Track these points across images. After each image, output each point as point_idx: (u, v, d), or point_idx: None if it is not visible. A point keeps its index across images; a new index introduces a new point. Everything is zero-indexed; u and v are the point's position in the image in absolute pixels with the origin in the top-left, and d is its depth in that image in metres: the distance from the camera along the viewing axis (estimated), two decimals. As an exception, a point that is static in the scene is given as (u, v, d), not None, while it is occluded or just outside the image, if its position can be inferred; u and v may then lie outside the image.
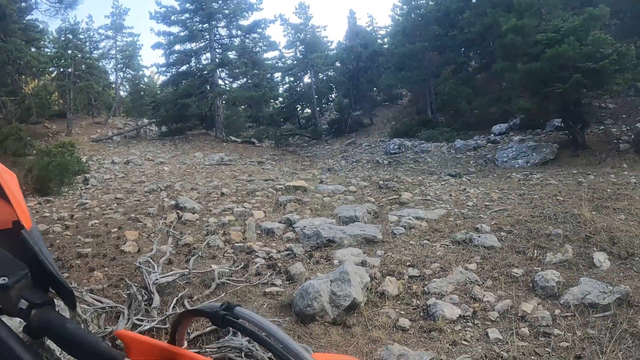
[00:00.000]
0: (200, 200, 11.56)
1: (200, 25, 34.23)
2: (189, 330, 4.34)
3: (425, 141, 24.23)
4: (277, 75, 44.46)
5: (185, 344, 0.94)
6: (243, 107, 37.93)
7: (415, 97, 34.66)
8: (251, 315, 0.78)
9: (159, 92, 38.21)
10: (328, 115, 43.29)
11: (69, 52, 36.09)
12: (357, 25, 46.21)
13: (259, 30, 35.47)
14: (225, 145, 31.48)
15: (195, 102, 32.11)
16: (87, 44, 48.91)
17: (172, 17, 33.70)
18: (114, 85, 44.24)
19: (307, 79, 42.40)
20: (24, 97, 27.16)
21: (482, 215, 9.09)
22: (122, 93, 44.49)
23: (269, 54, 45.79)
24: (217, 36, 35.46)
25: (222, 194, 12.54)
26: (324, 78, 42.67)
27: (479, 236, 7.67)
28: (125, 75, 45.37)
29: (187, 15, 33.85)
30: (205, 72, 34.22)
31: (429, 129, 26.00)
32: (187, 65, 35.20)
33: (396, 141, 23.44)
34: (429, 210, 9.61)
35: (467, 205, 9.91)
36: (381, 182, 13.28)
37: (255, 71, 36.03)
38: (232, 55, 35.82)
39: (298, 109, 43.62)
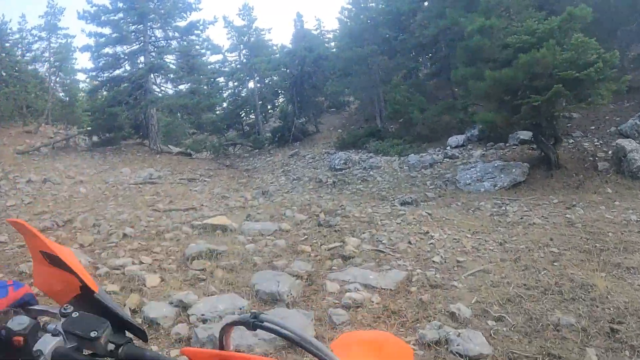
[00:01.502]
0: (94, 247, 8.74)
1: (133, 27, 30.63)
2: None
3: (374, 154, 21.65)
4: (221, 80, 41.44)
5: (232, 347, 1.17)
6: (184, 114, 34.40)
7: (363, 104, 32.12)
8: (273, 319, 1.00)
9: (86, 98, 34.25)
10: (273, 123, 40.35)
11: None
12: (304, 29, 43.52)
13: (197, 32, 32.16)
14: (158, 157, 28.07)
15: (124, 110, 28.47)
16: (19, 45, 44.28)
17: (103, 17, 29.90)
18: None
19: (251, 85, 39.38)
20: None
21: (455, 283, 6.37)
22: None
23: (213, 58, 42.34)
24: (153, 38, 31.90)
25: (125, 235, 9.55)
26: (269, 83, 39.62)
27: (459, 334, 4.93)
28: (57, 80, 41.06)
29: (120, 15, 30.13)
30: (138, 77, 30.68)
31: (378, 140, 23.44)
32: (122, 70, 31.46)
33: (342, 155, 20.63)
34: (382, 272, 6.83)
35: (434, 263, 7.17)
36: (322, 215, 10.50)
37: (195, 76, 32.76)
38: (169, 59, 32.42)
39: (242, 116, 40.46)
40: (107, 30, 29.91)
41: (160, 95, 29.44)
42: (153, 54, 31.59)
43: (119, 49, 31.29)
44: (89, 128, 30.25)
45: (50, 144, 31.03)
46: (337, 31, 36.12)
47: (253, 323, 1.01)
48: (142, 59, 31.53)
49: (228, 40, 41.34)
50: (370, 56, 25.25)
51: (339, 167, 19.58)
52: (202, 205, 14.05)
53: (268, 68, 32.11)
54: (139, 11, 29.14)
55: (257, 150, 33.11)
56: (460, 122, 21.76)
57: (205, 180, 21.42)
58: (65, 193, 17.92)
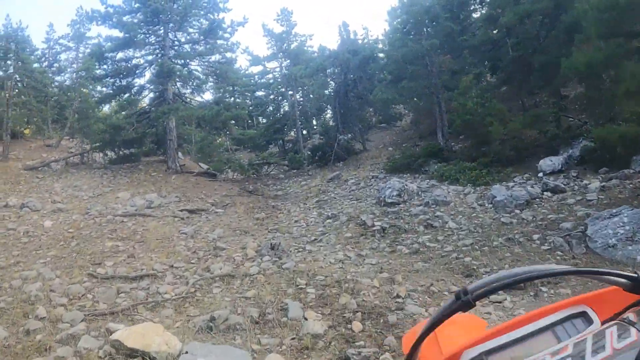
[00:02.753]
0: None
1: (147, 28, 26.13)
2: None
3: (437, 181, 15.92)
4: (261, 92, 37.62)
5: None
6: (213, 129, 29.48)
7: (418, 116, 26.37)
8: (478, 284, 0.85)
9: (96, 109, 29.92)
10: (316, 140, 35.15)
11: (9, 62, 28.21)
12: (350, 39, 38.11)
13: (223, 33, 27.35)
14: (174, 179, 23.21)
15: (132, 122, 23.93)
16: (47, 55, 40.92)
17: (114, 18, 25.54)
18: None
19: (292, 96, 34.40)
20: None
21: None
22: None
23: (254, 69, 37.75)
24: (171, 42, 27.29)
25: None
26: (314, 96, 34.39)
27: None
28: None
29: (138, 16, 25.70)
30: (153, 85, 26.16)
31: (441, 162, 17.68)
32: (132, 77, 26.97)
33: (394, 184, 14.69)
34: None
35: None
36: (357, 326, 5.00)
37: (221, 85, 28.00)
38: (193, 65, 27.83)
39: (283, 132, 35.33)
40: (118, 33, 25.43)
41: (178, 105, 24.59)
42: (175, 60, 27.03)
43: (131, 53, 26.67)
44: (99, 143, 25.71)
45: (61, 159, 26.94)
46: (387, 36, 30.66)
47: (469, 301, 0.84)
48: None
49: (268, 50, 36.01)
50: (429, 54, 19.58)
51: (390, 200, 13.85)
52: (170, 267, 8.83)
53: (305, 74, 26.80)
54: (151, 8, 24.48)
55: (294, 171, 27.90)
56: (553, 138, 15.79)
57: (214, 213, 16.28)
58: (25, 226, 13.68)
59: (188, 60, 27.31)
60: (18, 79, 30.04)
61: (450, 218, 11.26)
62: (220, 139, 32.52)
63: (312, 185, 21.18)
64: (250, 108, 39.54)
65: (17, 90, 30.30)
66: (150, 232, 12.61)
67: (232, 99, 28.07)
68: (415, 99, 22.13)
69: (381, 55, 27.68)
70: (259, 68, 37.70)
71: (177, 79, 26.62)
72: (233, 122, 27.03)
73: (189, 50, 26.80)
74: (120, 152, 28.35)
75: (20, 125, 35.49)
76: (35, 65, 36.08)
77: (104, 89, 27.55)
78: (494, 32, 21.50)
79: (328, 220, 13.39)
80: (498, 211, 11.23)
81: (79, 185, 21.58)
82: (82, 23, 39.82)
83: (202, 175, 25.15)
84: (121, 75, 25.94)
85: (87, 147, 28.10)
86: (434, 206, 12.66)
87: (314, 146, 28.38)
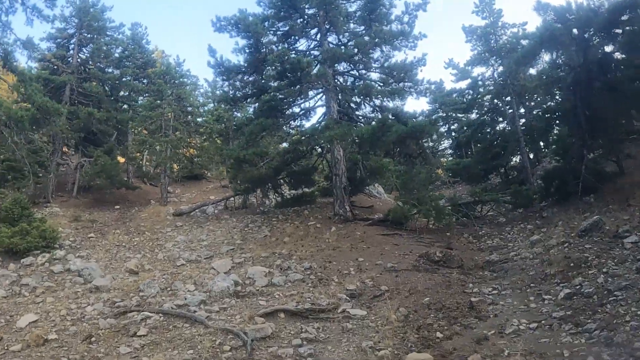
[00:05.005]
0: None
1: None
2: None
3: None
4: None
5: None
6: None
7: None
8: None
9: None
10: (546, 163, 24.59)
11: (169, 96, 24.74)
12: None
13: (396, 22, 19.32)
14: (332, 232, 15.67)
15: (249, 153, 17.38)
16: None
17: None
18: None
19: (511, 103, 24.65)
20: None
21: None
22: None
23: (462, 84, 29.07)
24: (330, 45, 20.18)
25: None
26: (546, 106, 23.96)
27: None
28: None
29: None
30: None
31: None
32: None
33: None
34: None
35: None
36: None
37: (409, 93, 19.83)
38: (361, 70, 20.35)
39: (503, 155, 25.55)
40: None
41: (327, 122, 17.00)
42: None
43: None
44: (245, 184, 19.63)
45: (220, 202, 21.85)
46: None
47: None
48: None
49: (471, 51, 26.77)
50: None
51: None
52: None
53: (518, 61, 16.92)
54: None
55: (519, 211, 18.12)
56: None
57: (345, 318, 8.03)
58: (50, 306, 8.21)
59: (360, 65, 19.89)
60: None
61: None
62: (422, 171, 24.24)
63: (551, 244, 11.29)
64: (465, 130, 30.61)
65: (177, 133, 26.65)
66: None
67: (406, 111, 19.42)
68: None
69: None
70: (466, 83, 28.59)
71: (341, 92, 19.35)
72: (416, 141, 18.27)
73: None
74: (287, 194, 22.19)
75: (203, 166, 32.45)
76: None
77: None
78: None
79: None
80: None
81: (201, 240, 15.57)
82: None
83: (381, 224, 17.03)
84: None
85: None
86: None
87: (546, 172, 17.93)
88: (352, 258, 12.50)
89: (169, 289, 10.07)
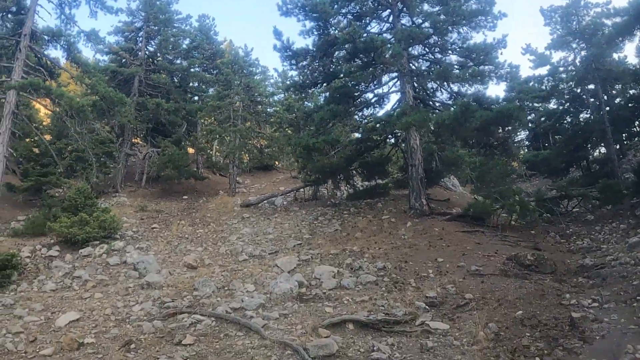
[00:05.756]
0: None
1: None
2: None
3: None
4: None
5: None
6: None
7: None
8: None
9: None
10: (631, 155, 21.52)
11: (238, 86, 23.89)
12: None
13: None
14: (408, 227, 14.02)
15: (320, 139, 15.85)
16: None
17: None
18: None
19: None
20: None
21: None
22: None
23: (541, 71, 26.05)
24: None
25: None
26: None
27: None
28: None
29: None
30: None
31: None
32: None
33: None
34: None
35: None
36: None
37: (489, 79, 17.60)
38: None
39: (586, 147, 22.80)
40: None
41: (403, 107, 15.23)
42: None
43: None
44: (315, 174, 18.33)
45: (289, 193, 20.70)
46: None
47: None
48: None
49: (550, 35, 23.94)
50: None
51: None
52: None
53: (610, 39, 14.31)
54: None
55: (608, 208, 15.68)
56: None
57: (423, 333, 6.48)
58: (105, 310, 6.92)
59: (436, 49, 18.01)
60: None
61: None
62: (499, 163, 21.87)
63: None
64: (544, 120, 27.72)
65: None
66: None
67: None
68: None
69: None
70: (545, 69, 25.57)
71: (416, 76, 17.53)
72: (500, 128, 16.20)
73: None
74: (360, 185, 20.62)
75: (273, 157, 31.54)
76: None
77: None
78: None
79: None
80: None
81: (267, 233, 14.38)
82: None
83: (461, 219, 15.11)
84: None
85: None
86: None
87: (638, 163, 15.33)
88: (430, 258, 10.82)
89: (226, 288, 8.86)
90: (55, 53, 54.50)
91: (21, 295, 9.00)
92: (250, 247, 12.72)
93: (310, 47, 17.19)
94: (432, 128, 15.56)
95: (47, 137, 19.97)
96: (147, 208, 18.28)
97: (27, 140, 18.62)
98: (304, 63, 17.70)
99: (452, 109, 14.96)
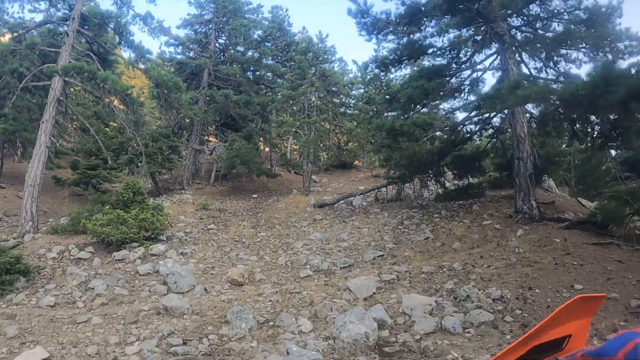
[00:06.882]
0: None
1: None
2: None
3: None
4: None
5: None
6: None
7: None
8: None
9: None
10: None
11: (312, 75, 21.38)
12: None
13: None
14: (519, 236, 10.58)
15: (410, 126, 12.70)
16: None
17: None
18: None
19: None
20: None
21: None
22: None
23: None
24: None
25: None
26: None
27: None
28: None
29: None
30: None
31: None
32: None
33: None
34: None
35: None
36: None
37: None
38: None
39: None
40: None
41: (515, 80, 11.64)
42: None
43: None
44: (396, 171, 15.20)
45: (369, 192, 17.79)
46: None
47: None
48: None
49: None
50: None
51: None
52: None
53: None
54: None
55: None
56: None
57: None
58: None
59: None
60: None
61: None
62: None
63: None
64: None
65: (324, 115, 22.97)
66: None
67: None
68: None
69: None
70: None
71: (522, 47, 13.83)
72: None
73: None
74: (450, 184, 17.27)
75: (353, 154, 28.75)
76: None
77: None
78: None
79: None
80: None
81: (341, 240, 11.55)
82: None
83: (580, 226, 11.30)
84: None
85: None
86: None
87: None
88: (562, 283, 7.43)
89: (271, 322, 6.08)
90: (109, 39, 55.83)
91: (7, 311, 6.74)
92: (317, 259, 9.89)
93: (392, 17, 14.02)
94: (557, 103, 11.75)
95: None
96: (209, 207, 16.09)
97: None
98: (386, 37, 14.61)
99: (585, 78, 11.11)
